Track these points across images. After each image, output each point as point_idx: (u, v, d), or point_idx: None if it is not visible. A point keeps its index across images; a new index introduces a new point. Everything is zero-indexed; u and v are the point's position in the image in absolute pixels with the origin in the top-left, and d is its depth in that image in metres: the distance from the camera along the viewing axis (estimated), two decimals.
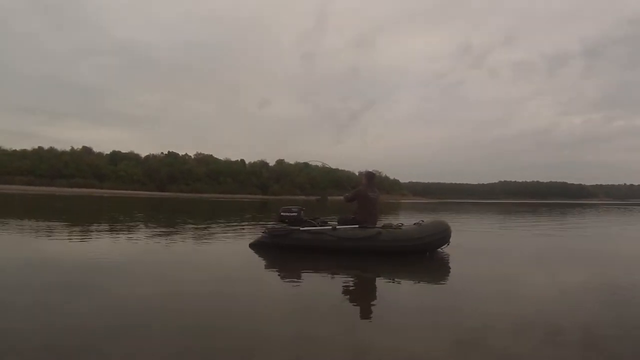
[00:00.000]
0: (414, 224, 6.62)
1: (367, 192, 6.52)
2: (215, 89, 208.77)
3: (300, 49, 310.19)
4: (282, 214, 6.54)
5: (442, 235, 6.34)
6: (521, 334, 2.89)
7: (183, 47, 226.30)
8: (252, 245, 6.63)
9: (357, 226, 6.21)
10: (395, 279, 4.84)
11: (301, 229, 6.27)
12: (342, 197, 6.97)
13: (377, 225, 6.37)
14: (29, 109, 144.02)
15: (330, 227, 6.24)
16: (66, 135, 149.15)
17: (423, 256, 6.13)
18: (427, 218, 7.11)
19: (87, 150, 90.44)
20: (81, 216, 14.97)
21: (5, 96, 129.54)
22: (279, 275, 5.11)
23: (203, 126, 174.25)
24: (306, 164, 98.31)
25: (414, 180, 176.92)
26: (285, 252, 6.23)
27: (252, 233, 8.19)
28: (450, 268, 5.62)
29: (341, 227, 6.21)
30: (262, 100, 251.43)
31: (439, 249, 6.42)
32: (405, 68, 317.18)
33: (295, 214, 6.47)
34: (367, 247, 6.00)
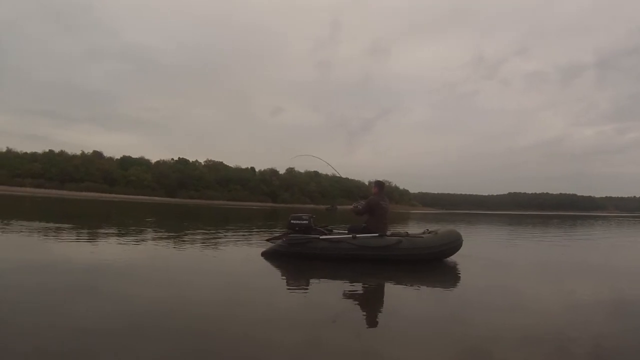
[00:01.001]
0: (423, 232, 6.68)
1: (379, 201, 6.53)
2: (227, 95, 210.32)
3: (314, 56, 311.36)
4: (292, 221, 6.51)
5: (456, 243, 6.49)
6: (529, 346, 2.87)
7: (195, 53, 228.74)
8: (264, 254, 6.43)
9: (377, 235, 6.22)
10: (405, 288, 4.86)
11: (320, 237, 6.24)
12: (350, 207, 6.91)
13: (386, 234, 6.38)
14: (40, 112, 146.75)
15: (350, 236, 6.20)
16: (77, 139, 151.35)
17: (440, 264, 6.21)
18: (434, 227, 7.14)
19: (97, 155, 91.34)
20: (91, 220, 15.12)
21: (16, 99, 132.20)
22: (290, 282, 5.13)
23: (214, 132, 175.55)
24: (317, 173, 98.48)
25: (423, 191, 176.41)
26: (304, 260, 6.12)
27: (262, 241, 8.17)
28: (460, 277, 5.64)
29: (361, 236, 6.19)
30: (275, 108, 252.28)
31: (449, 258, 6.48)
32: (418, 77, 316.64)
33: (306, 222, 6.44)
34: (388, 255, 6.03)
